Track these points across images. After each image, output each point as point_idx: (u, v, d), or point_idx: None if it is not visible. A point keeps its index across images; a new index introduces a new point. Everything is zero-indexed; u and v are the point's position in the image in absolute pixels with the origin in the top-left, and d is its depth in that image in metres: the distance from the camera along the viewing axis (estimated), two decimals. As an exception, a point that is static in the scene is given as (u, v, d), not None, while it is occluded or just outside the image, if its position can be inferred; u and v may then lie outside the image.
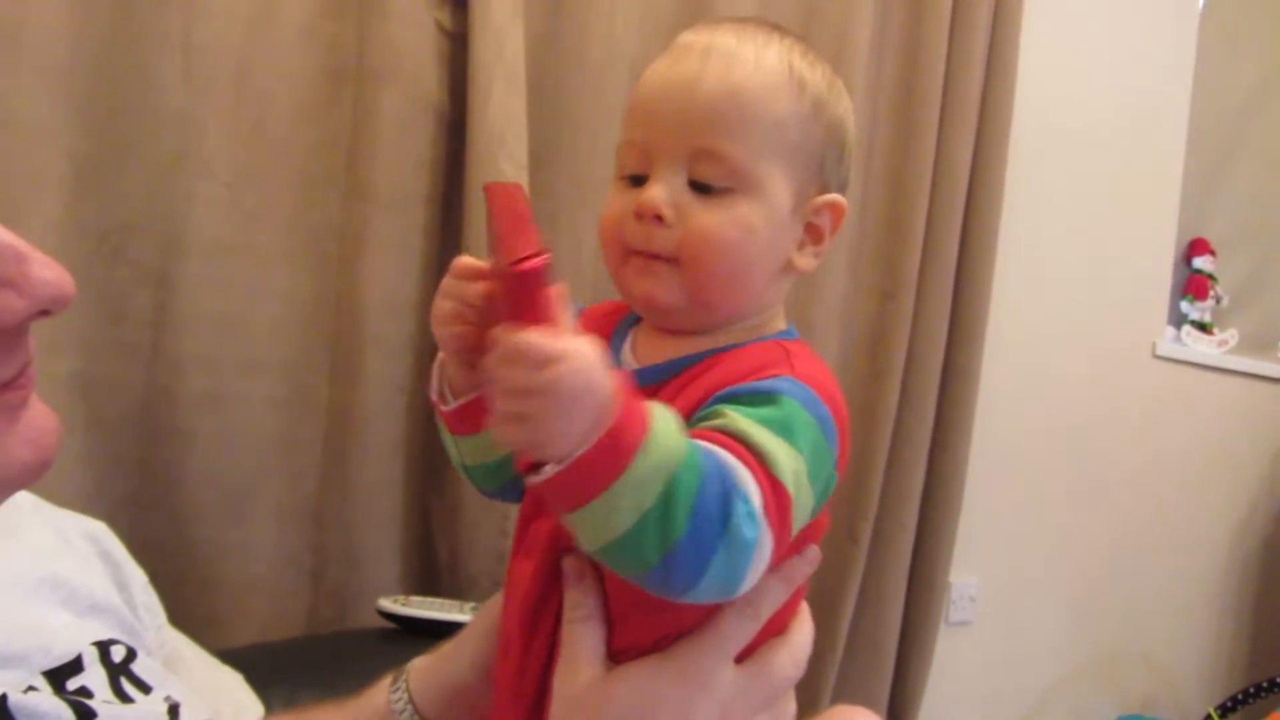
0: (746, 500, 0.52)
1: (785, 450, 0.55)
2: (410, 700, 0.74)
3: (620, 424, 0.50)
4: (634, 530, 0.51)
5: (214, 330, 1.42)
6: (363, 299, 1.50)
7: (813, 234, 0.67)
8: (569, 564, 0.63)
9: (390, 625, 1.35)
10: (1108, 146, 2.45)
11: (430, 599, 1.38)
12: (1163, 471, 2.67)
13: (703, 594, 0.53)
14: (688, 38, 0.66)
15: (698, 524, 0.51)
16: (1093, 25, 2.39)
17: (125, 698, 0.65)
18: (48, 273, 0.50)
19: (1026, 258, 2.29)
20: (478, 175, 1.48)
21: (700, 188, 0.62)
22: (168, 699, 0.67)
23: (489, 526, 1.57)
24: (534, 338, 0.49)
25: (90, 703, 0.61)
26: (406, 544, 1.60)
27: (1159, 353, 2.62)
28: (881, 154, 2.00)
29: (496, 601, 0.72)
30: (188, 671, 0.82)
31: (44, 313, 0.51)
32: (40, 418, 0.54)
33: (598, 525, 0.52)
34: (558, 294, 0.51)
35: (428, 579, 1.63)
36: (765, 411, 0.56)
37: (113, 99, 1.33)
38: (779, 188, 0.64)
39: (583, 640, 0.61)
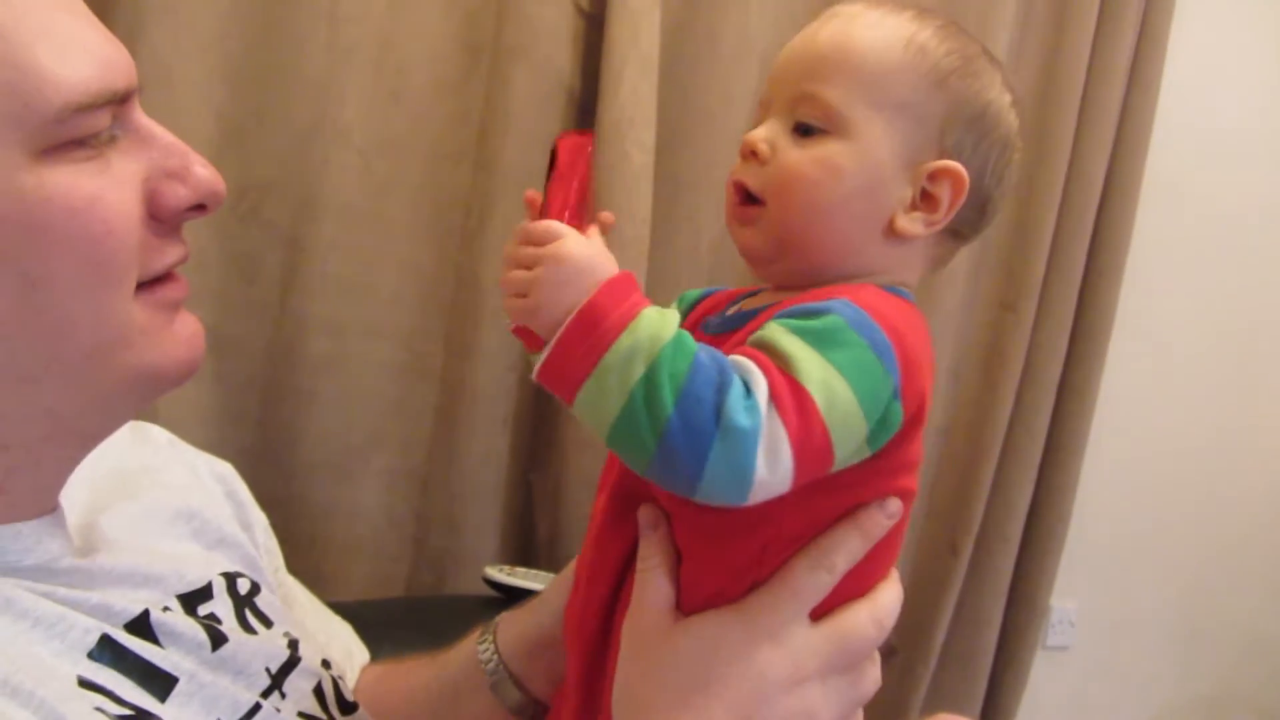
0: (746, 389, 0.53)
1: (813, 358, 0.55)
2: (496, 652, 0.76)
3: (600, 301, 0.55)
4: (625, 411, 0.53)
5: (339, 294, 1.45)
6: (483, 273, 1.51)
7: (928, 201, 0.65)
8: (643, 513, 0.64)
9: (491, 593, 1.37)
10: (1249, 166, 2.34)
11: (534, 571, 1.40)
12: (1285, 509, 2.55)
13: (712, 487, 0.54)
14: (831, 9, 0.69)
15: (685, 404, 0.53)
16: (1241, 40, 2.29)
17: (249, 628, 0.67)
18: (205, 171, 0.58)
19: (1155, 276, 2.21)
20: (605, 157, 1.49)
21: (802, 130, 0.65)
22: (287, 634, 0.70)
23: (589, 507, 1.58)
24: (543, 222, 0.58)
25: (220, 628, 0.63)
26: (507, 517, 1.62)
27: (1290, 384, 2.51)
28: (1012, 161, 1.95)
29: None
30: (301, 613, 0.85)
31: (200, 208, 0.59)
32: (191, 323, 0.60)
33: (594, 409, 0.55)
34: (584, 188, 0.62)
35: (525, 553, 1.64)
36: (801, 323, 0.57)
37: (260, 63, 1.38)
38: (877, 136, 0.64)
39: (652, 588, 0.61)
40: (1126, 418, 2.26)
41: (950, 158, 0.65)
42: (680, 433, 0.53)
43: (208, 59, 1.33)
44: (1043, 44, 1.93)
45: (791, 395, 0.54)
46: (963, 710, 2.05)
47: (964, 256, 1.87)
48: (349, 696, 0.71)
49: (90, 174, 0.52)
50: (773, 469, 0.53)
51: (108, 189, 0.53)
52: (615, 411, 0.54)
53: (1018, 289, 1.96)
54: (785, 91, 0.66)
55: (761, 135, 0.66)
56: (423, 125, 1.48)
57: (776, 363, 0.55)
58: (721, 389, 0.53)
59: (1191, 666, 2.54)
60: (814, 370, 0.54)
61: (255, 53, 1.37)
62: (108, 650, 0.56)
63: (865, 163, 0.64)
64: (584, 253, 0.57)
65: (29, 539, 0.57)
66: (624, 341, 0.54)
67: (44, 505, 0.59)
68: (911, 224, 0.65)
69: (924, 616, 2.02)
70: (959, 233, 0.68)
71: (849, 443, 0.56)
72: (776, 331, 0.57)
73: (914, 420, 0.60)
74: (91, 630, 0.56)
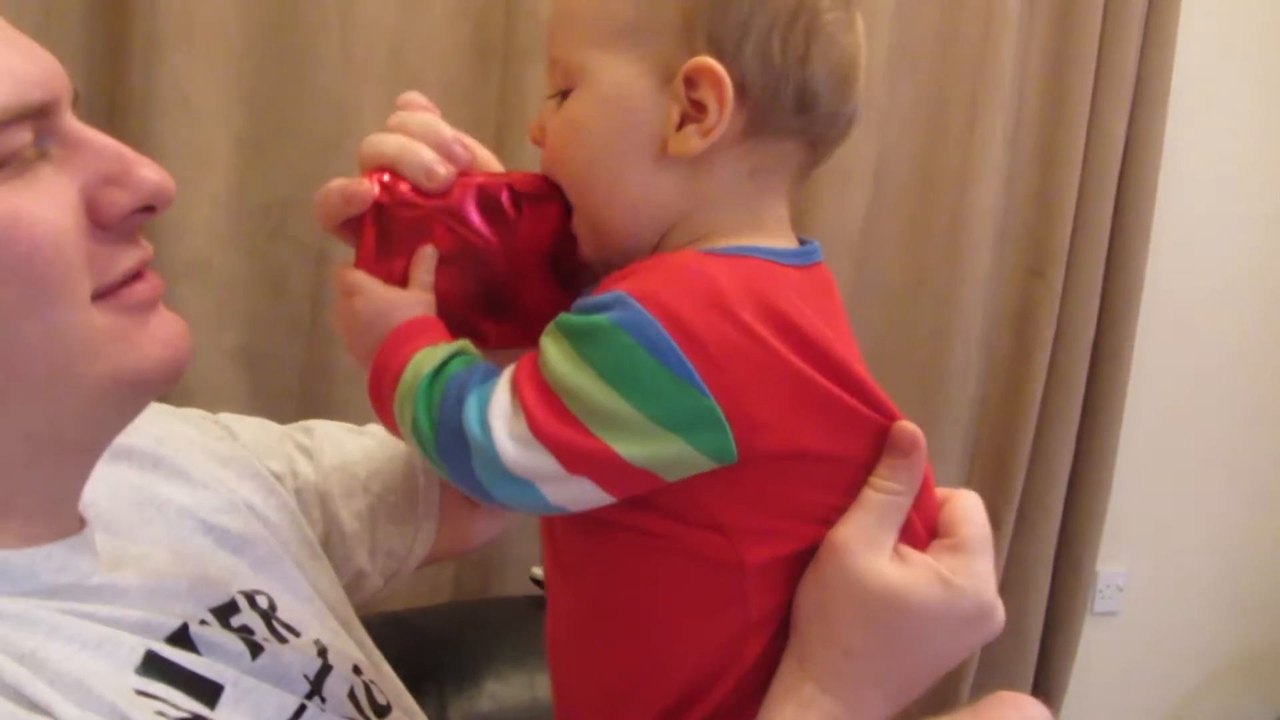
0: (477, 402, 0.55)
1: (564, 352, 0.54)
2: None
3: (383, 351, 0.59)
4: (410, 437, 0.57)
5: (368, 304, 1.46)
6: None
7: (701, 111, 0.58)
8: (903, 427, 0.59)
9: (539, 592, 1.37)
10: (1272, 117, 2.31)
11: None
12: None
13: (507, 499, 0.56)
14: None
15: (440, 432, 0.55)
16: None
17: (280, 639, 0.68)
18: (149, 171, 0.57)
19: (1183, 233, 2.18)
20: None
21: (563, 98, 0.62)
22: (317, 641, 0.70)
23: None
24: (353, 272, 0.62)
25: (255, 638, 0.64)
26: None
27: (1327, 337, 2.47)
28: (1031, 125, 1.93)
29: None
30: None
31: (149, 209, 0.58)
32: (170, 322, 0.60)
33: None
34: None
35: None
36: (573, 320, 0.55)
37: (275, 81, 1.38)
38: (612, 70, 0.59)
39: (896, 521, 0.59)
40: (1164, 378, 2.24)
41: (710, 55, 0.58)
42: (444, 457, 0.56)
43: (224, 81, 1.34)
44: (1054, 3, 1.91)
45: (531, 386, 0.55)
46: (1014, 679, 2.05)
47: (989, 224, 1.85)
48: (380, 699, 0.72)
49: (13, 192, 0.51)
50: (534, 462, 0.54)
51: (30, 205, 0.52)
52: (414, 444, 0.58)
53: (1044, 255, 1.94)
54: (547, 63, 0.64)
55: (537, 120, 0.64)
56: (438, 131, 1.48)
57: (531, 365, 0.56)
58: (459, 403, 0.55)
59: (1243, 625, 2.51)
60: (559, 364, 0.54)
61: (270, 72, 1.38)
62: (154, 666, 0.57)
63: (604, 102, 0.60)
64: (371, 309, 0.61)
65: (60, 559, 0.57)
66: (399, 390, 0.57)
67: (66, 522, 0.60)
68: (683, 141, 0.58)
69: (970, 589, 2.01)
70: (782, 130, 0.60)
71: (633, 438, 0.53)
72: (550, 330, 0.56)
73: (759, 405, 0.55)
74: (136, 648, 0.56)
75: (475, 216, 0.64)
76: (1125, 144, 1.97)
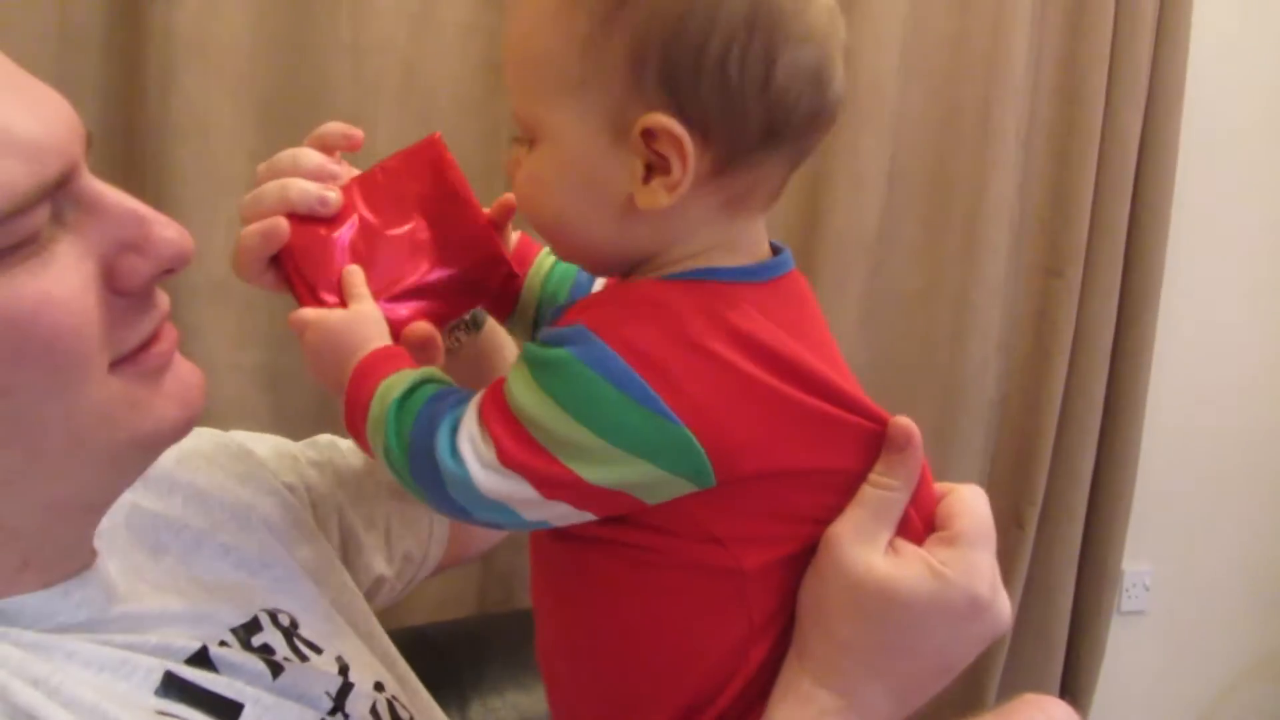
0: (448, 429, 0.56)
1: (527, 387, 0.55)
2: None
3: (352, 383, 0.61)
4: (384, 463, 0.59)
5: (385, 321, 1.47)
6: (524, 287, 1.52)
7: (665, 161, 0.56)
8: (898, 423, 0.59)
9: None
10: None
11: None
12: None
13: (489, 520, 0.57)
14: None
15: (413, 459, 0.57)
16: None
17: (302, 656, 0.68)
18: (168, 232, 0.55)
19: (1202, 231, 2.17)
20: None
21: (528, 143, 0.62)
22: (339, 658, 0.70)
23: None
24: (299, 311, 0.65)
25: (276, 658, 0.65)
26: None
27: (1351, 329, 2.45)
28: (1044, 126, 1.92)
29: None
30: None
31: (168, 271, 0.56)
32: (184, 374, 0.59)
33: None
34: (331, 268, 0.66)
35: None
36: (537, 352, 0.57)
37: (290, 102, 1.39)
38: (567, 126, 0.57)
39: (892, 516, 0.59)
40: (1186, 375, 2.22)
41: (664, 103, 0.55)
42: (419, 484, 0.58)
43: (239, 102, 1.35)
44: (1066, 3, 1.90)
45: (498, 415, 0.56)
46: (1041, 682, 2.03)
47: (1004, 225, 1.85)
48: (403, 714, 0.72)
49: (32, 274, 0.49)
50: (509, 487, 0.55)
51: (53, 286, 0.50)
52: (385, 464, 0.60)
53: (1062, 255, 1.93)
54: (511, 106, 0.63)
55: (510, 155, 0.63)
56: (452, 144, 1.47)
57: (497, 396, 0.57)
58: (431, 432, 0.56)
59: (1273, 622, 2.49)
60: (522, 395, 0.55)
61: (284, 92, 1.39)
62: (173, 687, 0.57)
63: (563, 161, 0.58)
64: (324, 337, 0.64)
65: (76, 597, 0.58)
66: (370, 413, 0.59)
67: (79, 560, 0.60)
68: (652, 197, 0.56)
69: (995, 592, 2.00)
70: (753, 160, 0.58)
71: (600, 465, 0.54)
72: (516, 361, 0.58)
73: (732, 423, 0.54)
74: (154, 669, 0.57)
75: (371, 211, 0.69)
76: (1140, 142, 1.96)
